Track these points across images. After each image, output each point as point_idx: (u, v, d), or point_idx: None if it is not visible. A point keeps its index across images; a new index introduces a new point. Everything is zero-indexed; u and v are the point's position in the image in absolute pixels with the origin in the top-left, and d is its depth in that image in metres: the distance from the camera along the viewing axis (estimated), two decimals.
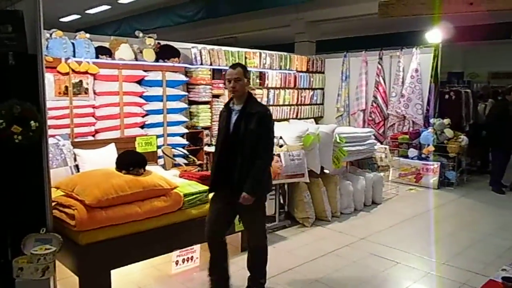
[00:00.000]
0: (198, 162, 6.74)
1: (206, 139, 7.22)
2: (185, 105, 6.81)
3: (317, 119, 9.46)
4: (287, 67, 8.67)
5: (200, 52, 7.15)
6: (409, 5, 2.27)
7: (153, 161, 5.63)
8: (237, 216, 4.13)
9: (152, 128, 6.35)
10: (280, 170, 4.63)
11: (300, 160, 4.77)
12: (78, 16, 14.26)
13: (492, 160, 7.18)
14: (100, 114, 5.80)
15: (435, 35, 7.56)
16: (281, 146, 4.81)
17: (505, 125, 6.59)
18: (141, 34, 6.22)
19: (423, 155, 7.33)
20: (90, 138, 5.73)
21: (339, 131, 5.49)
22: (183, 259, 3.79)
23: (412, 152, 7.44)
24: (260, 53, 8.11)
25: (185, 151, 6.69)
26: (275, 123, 5.84)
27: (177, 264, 3.74)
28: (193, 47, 7.11)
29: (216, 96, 7.35)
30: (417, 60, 7.94)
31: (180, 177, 4.46)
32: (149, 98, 6.27)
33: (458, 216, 5.64)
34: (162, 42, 6.58)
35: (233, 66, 3.28)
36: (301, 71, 9.02)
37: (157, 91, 6.35)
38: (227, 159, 3.21)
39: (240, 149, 3.15)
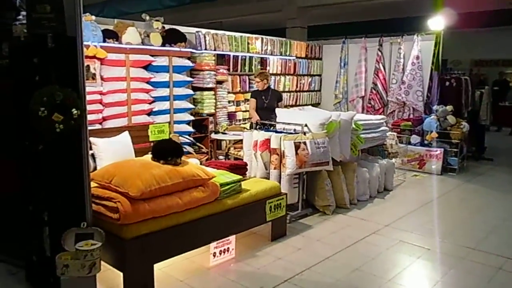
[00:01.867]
0: (205, 150, 6.61)
1: (210, 126, 7.07)
2: (191, 92, 6.63)
3: (315, 106, 9.41)
4: (287, 53, 8.57)
5: (204, 37, 6.94)
6: None
7: None
8: (268, 205, 4.09)
9: (158, 115, 6.16)
10: (306, 158, 4.56)
11: (325, 148, 4.72)
12: None
13: None
14: (108, 101, 5.55)
15: (437, 21, 7.61)
16: (305, 133, 4.73)
17: None
18: (147, 17, 5.96)
19: (425, 142, 7.43)
20: (98, 125, 5.49)
21: (356, 118, 5.46)
22: (220, 250, 3.68)
23: (415, 138, 7.52)
24: (262, 39, 7.96)
25: (192, 139, 6.53)
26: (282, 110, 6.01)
27: (214, 256, 3.64)
28: (197, 31, 6.89)
29: (220, 82, 7.19)
30: (418, 47, 7.99)
31: (206, 166, 4.32)
32: (155, 84, 6.06)
33: (468, 202, 5.75)
34: (166, 26, 6.34)
35: None
36: (300, 57, 8.95)
37: (163, 77, 6.15)
38: None
39: None
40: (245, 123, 7.86)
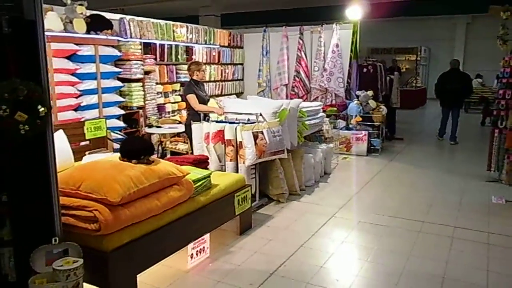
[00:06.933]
0: None
1: (141, 120, 6.61)
2: (120, 83, 6.12)
3: (238, 95, 9.38)
4: (211, 42, 8.35)
5: (129, 24, 6.43)
6: None
7: (104, 147, 4.98)
8: (236, 199, 3.96)
9: (87, 111, 5.62)
10: (265, 148, 4.49)
11: (280, 136, 4.70)
12: None
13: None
14: None
15: (355, 12, 8.04)
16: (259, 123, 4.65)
17: None
18: (69, 1, 5.30)
19: (350, 125, 7.85)
20: None
21: (300, 106, 5.53)
22: (197, 251, 3.47)
23: (341, 123, 7.91)
24: (187, 26, 7.64)
25: (124, 135, 6.05)
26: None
27: (192, 257, 3.42)
28: (121, 18, 6.36)
29: (147, 72, 6.74)
30: (337, 35, 8.36)
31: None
32: (82, 76, 5.50)
33: (400, 179, 6.20)
34: (88, 12, 5.72)
35: None
36: (224, 46, 8.79)
37: (90, 67, 5.59)
38: None
39: None
40: (174, 115, 7.52)
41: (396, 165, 7.01)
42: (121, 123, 6.09)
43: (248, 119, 4.75)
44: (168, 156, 6.26)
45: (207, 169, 4.14)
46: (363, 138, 7.63)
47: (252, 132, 4.45)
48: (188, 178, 3.40)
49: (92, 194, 2.73)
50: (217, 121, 4.84)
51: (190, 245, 3.39)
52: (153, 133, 6.80)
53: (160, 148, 6.53)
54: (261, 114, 4.66)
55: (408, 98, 14.13)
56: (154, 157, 3.43)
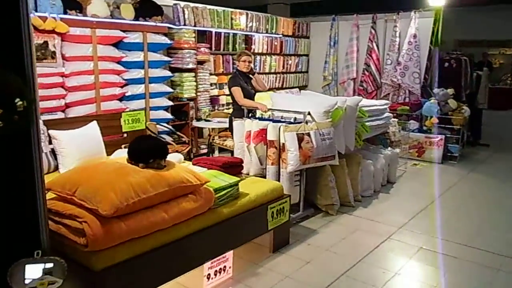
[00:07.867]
0: (185, 139, 5.85)
1: (191, 112, 6.29)
2: (169, 73, 5.81)
3: (302, 89, 8.74)
4: (273, 31, 7.80)
5: (183, 10, 6.08)
6: None
7: None
8: (270, 211, 3.42)
9: (132, 101, 5.37)
10: (311, 153, 3.88)
11: (331, 140, 4.05)
12: None
13: None
14: (72, 84, 4.73)
15: None
16: (307, 122, 4.04)
17: None
18: None
19: (424, 128, 6.89)
20: (60, 114, 4.67)
21: (360, 104, 4.81)
22: (215, 271, 2.99)
23: (413, 124, 6.97)
24: (247, 14, 7.16)
25: (171, 127, 5.76)
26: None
27: (208, 278, 2.95)
28: (175, 4, 6.03)
29: (201, 62, 6.39)
30: (415, 25, 7.37)
31: (194, 164, 3.58)
32: (128, 65, 5.25)
33: (480, 196, 5.20)
34: None
35: None
36: (287, 36, 8.19)
37: (137, 55, 5.33)
38: None
39: None
40: (229, 108, 7.11)
41: (477, 177, 5.97)
42: (168, 115, 5.80)
43: (295, 118, 4.15)
44: (216, 153, 5.89)
45: (240, 174, 3.65)
46: (438, 143, 6.64)
47: (297, 134, 3.85)
48: (209, 186, 2.92)
49: (85, 203, 2.35)
50: (260, 119, 4.30)
51: (207, 264, 2.92)
52: (203, 127, 6.47)
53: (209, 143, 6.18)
54: (309, 113, 4.04)
55: (499, 98, 12.47)
56: (175, 159, 3.00)
